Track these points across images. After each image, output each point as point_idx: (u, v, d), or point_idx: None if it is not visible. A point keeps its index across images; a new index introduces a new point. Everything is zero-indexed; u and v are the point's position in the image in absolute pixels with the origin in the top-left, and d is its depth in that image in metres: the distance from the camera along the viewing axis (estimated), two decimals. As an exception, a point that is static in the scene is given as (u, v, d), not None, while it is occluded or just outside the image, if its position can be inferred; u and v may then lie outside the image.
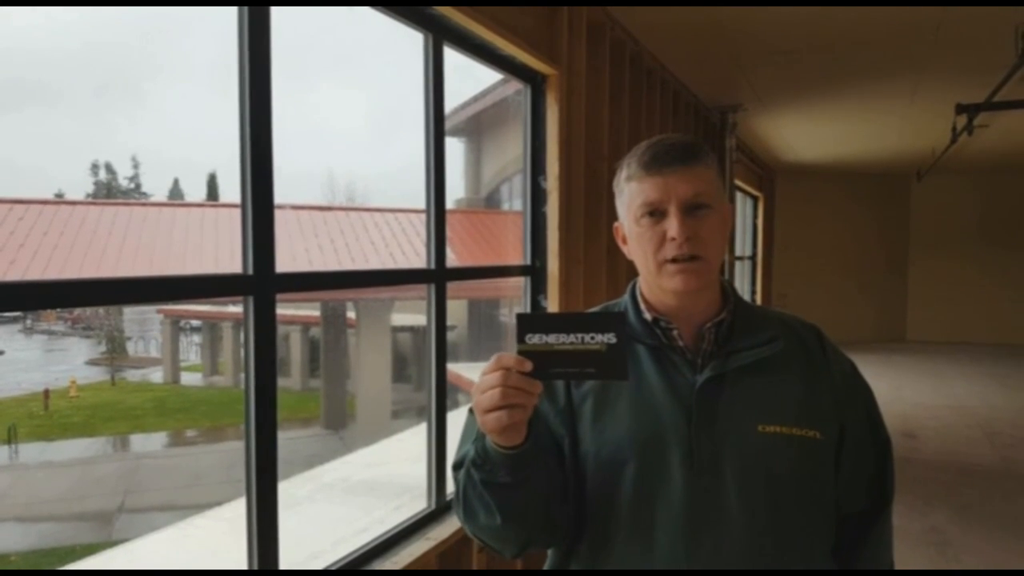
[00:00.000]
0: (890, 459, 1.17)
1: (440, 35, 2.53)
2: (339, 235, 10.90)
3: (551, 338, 0.91)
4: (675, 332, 1.11)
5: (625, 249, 1.16)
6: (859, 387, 1.16)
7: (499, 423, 0.90)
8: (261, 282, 1.76)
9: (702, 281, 1.07)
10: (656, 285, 1.11)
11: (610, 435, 1.07)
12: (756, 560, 1.02)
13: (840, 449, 1.11)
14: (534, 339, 0.91)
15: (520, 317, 0.92)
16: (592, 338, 0.90)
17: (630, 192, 1.10)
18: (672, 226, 1.04)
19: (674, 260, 1.05)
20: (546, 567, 1.17)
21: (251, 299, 1.75)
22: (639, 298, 1.15)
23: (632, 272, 1.19)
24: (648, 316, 1.12)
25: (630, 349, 1.09)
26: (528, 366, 0.90)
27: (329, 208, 13.07)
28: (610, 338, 0.90)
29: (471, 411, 1.14)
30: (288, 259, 8.98)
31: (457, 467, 1.11)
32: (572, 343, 0.90)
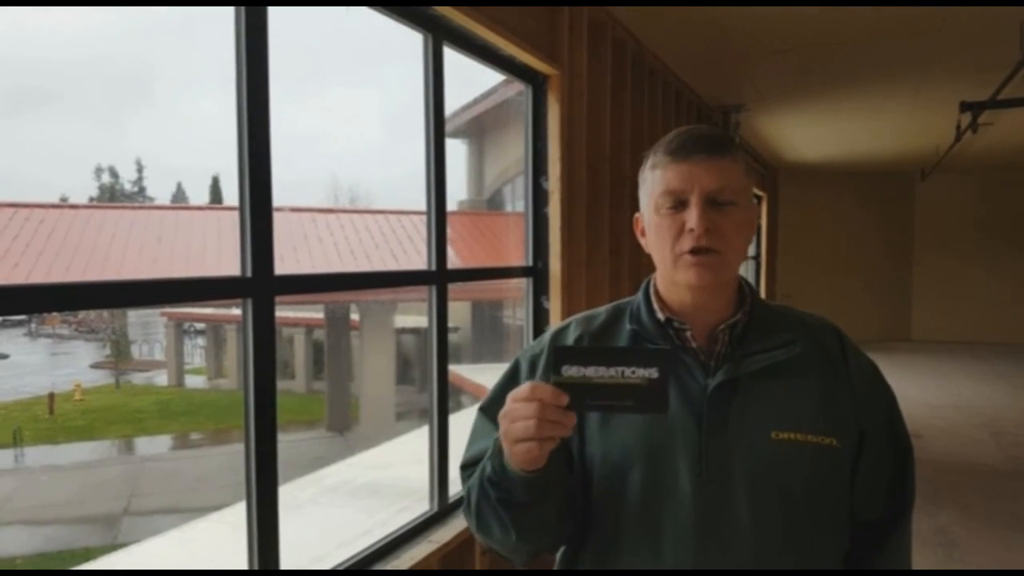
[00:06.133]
0: (911, 466, 1.13)
1: (440, 35, 2.52)
2: (342, 237, 10.90)
3: (589, 371, 0.87)
4: (688, 333, 1.07)
5: (643, 242, 1.13)
6: (880, 391, 1.12)
7: (529, 455, 0.88)
8: (260, 284, 1.75)
9: (717, 277, 1.03)
10: (671, 279, 1.07)
11: (618, 438, 1.04)
12: (764, 568, 1.00)
13: (859, 455, 1.07)
14: (571, 371, 0.87)
15: (558, 349, 0.89)
16: (633, 372, 0.86)
17: (652, 180, 1.06)
18: (692, 217, 1.00)
19: (691, 252, 1.01)
20: (555, 568, 1.16)
21: (250, 301, 1.74)
22: (653, 296, 1.12)
23: (637, 272, 1.16)
24: (661, 316, 1.09)
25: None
26: (565, 400, 0.87)
27: (331, 210, 13.08)
28: (652, 372, 0.86)
29: (481, 411, 1.13)
30: (291, 262, 8.98)
31: (465, 467, 1.09)
32: (612, 377, 0.87)
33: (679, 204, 1.02)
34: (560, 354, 0.88)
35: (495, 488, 0.97)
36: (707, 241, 1.00)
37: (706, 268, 1.02)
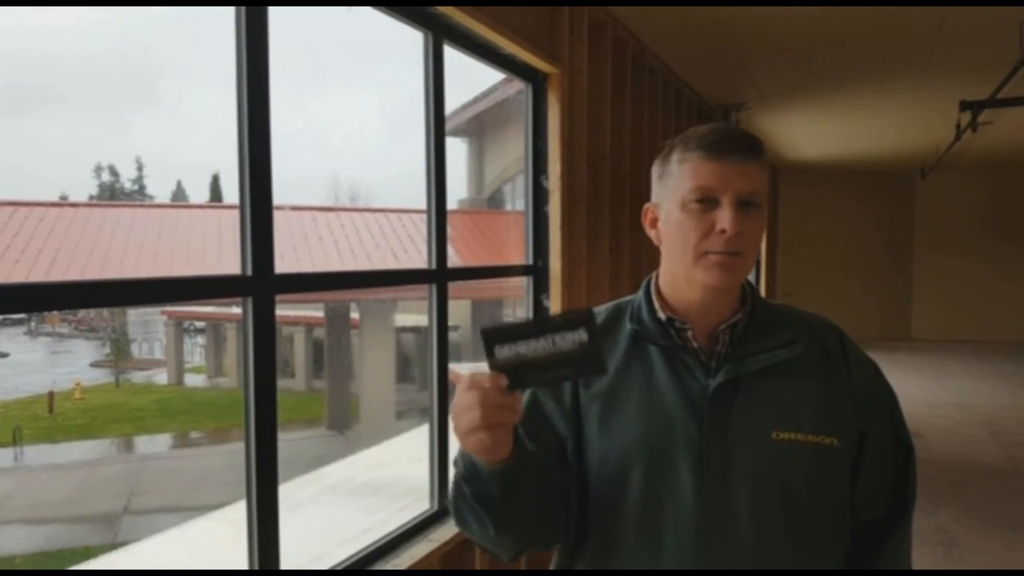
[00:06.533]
0: (912, 466, 1.13)
1: (440, 34, 2.52)
2: (343, 235, 10.90)
3: (521, 347, 0.86)
4: (689, 333, 1.07)
5: (652, 233, 1.11)
6: (881, 391, 1.11)
7: (482, 444, 0.87)
8: (260, 283, 1.75)
9: (737, 279, 1.03)
10: (685, 277, 1.06)
11: (618, 439, 1.04)
12: (765, 568, 1.00)
13: (860, 456, 1.07)
14: (503, 351, 0.86)
15: (485, 332, 0.87)
16: (563, 338, 0.86)
17: (681, 174, 1.03)
18: (725, 218, 0.99)
19: (717, 253, 1.01)
20: (552, 567, 1.16)
21: (250, 300, 1.74)
22: (654, 295, 1.11)
23: (637, 270, 1.16)
24: (662, 315, 1.08)
25: (646, 350, 1.07)
26: (504, 381, 0.86)
27: (331, 209, 13.07)
28: (581, 335, 0.86)
29: None
30: (291, 261, 8.98)
31: (457, 462, 1.10)
32: (544, 348, 0.86)
33: (709, 202, 1.01)
34: (490, 336, 0.87)
35: (468, 484, 0.96)
36: (735, 243, 1.00)
37: (728, 271, 1.01)
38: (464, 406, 0.87)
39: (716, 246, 1.00)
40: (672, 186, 1.06)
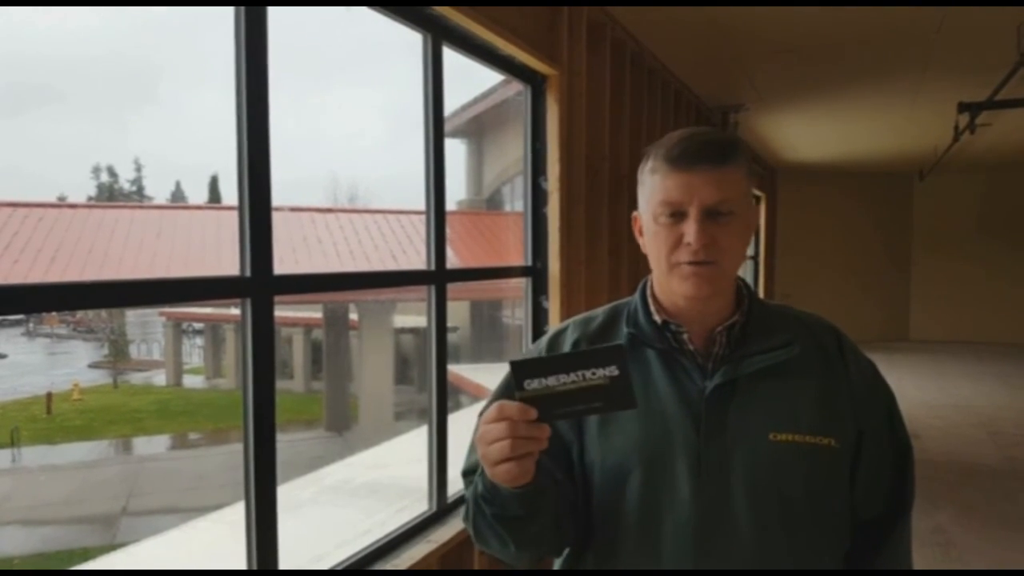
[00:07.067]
0: (910, 465, 1.12)
1: (439, 35, 2.53)
2: (342, 237, 10.90)
3: (551, 380, 0.87)
4: (686, 335, 1.07)
5: (641, 241, 1.12)
6: (879, 391, 1.11)
7: (510, 474, 0.88)
8: (259, 284, 1.75)
9: (714, 287, 1.03)
10: (667, 286, 1.07)
11: (616, 443, 1.04)
12: (764, 569, 1.00)
13: (858, 455, 1.07)
14: (533, 384, 0.87)
15: (514, 364, 0.88)
16: (593, 373, 0.87)
17: (652, 186, 1.04)
18: (690, 231, 0.99)
19: (688, 263, 1.01)
20: (556, 567, 1.16)
21: (249, 301, 1.74)
22: (649, 299, 1.11)
23: (636, 271, 1.16)
24: (658, 318, 1.08)
25: (643, 353, 1.07)
26: (533, 414, 0.86)
27: (330, 210, 13.07)
28: (612, 371, 0.87)
29: (481, 416, 1.13)
30: (290, 262, 8.98)
31: (467, 474, 1.09)
32: (574, 382, 0.87)
33: (677, 215, 1.01)
34: (519, 370, 0.87)
35: (489, 504, 0.97)
36: (704, 255, 1.00)
37: (703, 279, 1.01)
38: (493, 436, 0.87)
39: (684, 257, 1.01)
40: (646, 197, 1.06)
